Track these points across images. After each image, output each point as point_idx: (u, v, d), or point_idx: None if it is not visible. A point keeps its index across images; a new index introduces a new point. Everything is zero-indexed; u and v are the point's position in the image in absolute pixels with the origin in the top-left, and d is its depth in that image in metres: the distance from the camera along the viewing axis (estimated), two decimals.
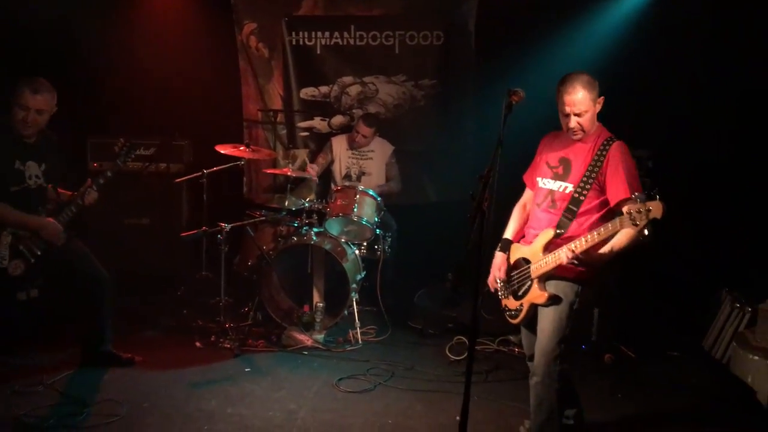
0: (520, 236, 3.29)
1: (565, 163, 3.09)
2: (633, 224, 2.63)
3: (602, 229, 2.78)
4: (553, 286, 2.98)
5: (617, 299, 4.65)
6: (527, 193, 3.34)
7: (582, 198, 2.96)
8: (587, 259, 2.87)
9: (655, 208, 2.58)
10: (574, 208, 2.97)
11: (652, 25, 5.28)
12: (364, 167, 5.66)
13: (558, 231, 2.98)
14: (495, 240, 3.29)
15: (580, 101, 2.94)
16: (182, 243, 5.24)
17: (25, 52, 5.33)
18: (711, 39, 5.11)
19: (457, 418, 3.55)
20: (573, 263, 2.82)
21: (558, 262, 2.90)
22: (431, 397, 3.94)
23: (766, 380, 3.86)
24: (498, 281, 3.24)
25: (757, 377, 3.92)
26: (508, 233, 3.30)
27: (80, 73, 5.85)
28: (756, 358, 3.96)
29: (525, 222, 3.29)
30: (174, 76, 5.99)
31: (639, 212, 2.61)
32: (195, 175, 5.12)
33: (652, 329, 5.05)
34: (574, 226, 2.98)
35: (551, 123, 3.52)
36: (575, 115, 2.97)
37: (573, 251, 2.81)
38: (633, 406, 3.94)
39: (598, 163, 2.96)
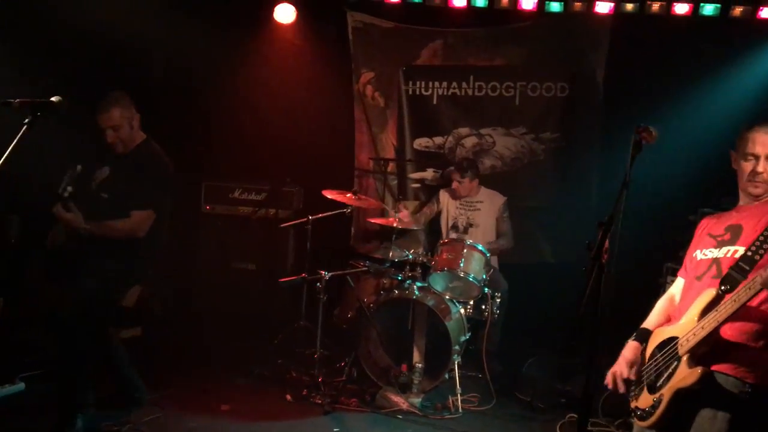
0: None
1: (734, 229, 2.46)
2: None
3: None
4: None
5: None
6: (678, 283, 2.67)
7: (757, 258, 2.27)
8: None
9: None
10: (746, 267, 2.27)
11: None
12: (472, 218, 5.37)
13: (723, 288, 2.28)
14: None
15: None
16: (284, 290, 5.17)
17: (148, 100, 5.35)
18: None
19: None
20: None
21: (718, 321, 2.17)
22: None
23: None
24: (622, 380, 2.46)
25: None
26: (648, 323, 2.62)
27: (198, 119, 6.07)
28: None
29: (670, 316, 2.61)
30: (289, 122, 6.01)
31: None
32: (300, 220, 5.06)
33: None
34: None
35: (685, 175, 3.05)
36: (766, 157, 2.37)
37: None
38: None
39: None
